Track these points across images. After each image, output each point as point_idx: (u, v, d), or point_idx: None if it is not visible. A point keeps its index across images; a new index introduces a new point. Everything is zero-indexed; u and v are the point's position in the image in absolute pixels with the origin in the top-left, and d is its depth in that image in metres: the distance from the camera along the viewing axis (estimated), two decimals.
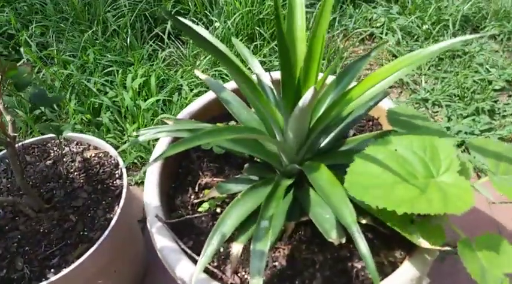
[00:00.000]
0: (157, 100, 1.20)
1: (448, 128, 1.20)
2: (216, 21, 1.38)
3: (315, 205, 0.57)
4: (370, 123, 0.79)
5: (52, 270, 0.69)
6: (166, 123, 0.70)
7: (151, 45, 1.42)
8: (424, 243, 0.48)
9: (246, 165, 0.64)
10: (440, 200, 0.45)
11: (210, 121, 0.80)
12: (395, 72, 0.52)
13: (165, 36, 1.42)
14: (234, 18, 1.34)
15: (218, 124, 0.78)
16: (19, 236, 0.74)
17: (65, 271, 0.66)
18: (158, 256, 0.61)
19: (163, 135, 0.59)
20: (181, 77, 1.30)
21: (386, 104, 0.76)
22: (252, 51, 1.36)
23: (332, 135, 0.67)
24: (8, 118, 0.71)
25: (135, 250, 0.90)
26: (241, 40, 1.35)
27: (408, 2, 1.59)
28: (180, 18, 0.60)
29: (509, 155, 0.56)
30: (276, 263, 0.60)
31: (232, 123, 0.80)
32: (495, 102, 1.29)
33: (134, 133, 0.60)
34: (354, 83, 0.62)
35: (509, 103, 1.28)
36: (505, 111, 1.26)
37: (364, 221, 0.56)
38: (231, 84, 0.81)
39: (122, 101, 1.19)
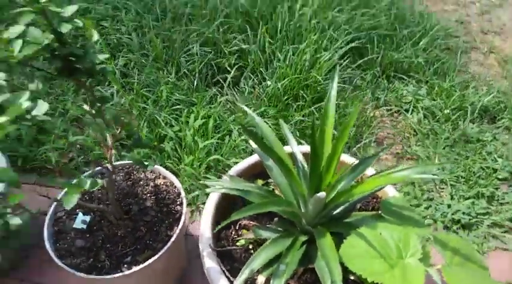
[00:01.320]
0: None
1: (449, 206, 1.40)
2: (268, 79, 1.67)
3: (319, 260, 0.81)
4: (374, 200, 1.03)
5: (125, 266, 0.97)
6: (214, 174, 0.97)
7: (213, 90, 1.72)
8: None
9: (275, 219, 0.90)
10: (401, 277, 0.69)
11: (251, 178, 1.06)
12: (389, 182, 0.76)
13: (225, 84, 1.72)
14: (284, 81, 1.62)
15: (258, 180, 1.05)
16: (103, 236, 1.03)
17: (135, 268, 0.94)
18: (193, 265, 0.86)
19: (223, 191, 0.86)
20: (233, 122, 1.58)
21: (390, 189, 0.99)
22: (295, 109, 1.62)
23: (342, 207, 0.91)
24: (112, 151, 1.00)
25: (180, 259, 1.16)
26: (287, 99, 1.62)
27: (436, 85, 1.81)
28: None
29: (465, 251, 0.78)
30: None
31: (270, 180, 1.06)
32: (496, 189, 1.48)
33: (201, 182, 0.86)
34: (371, 169, 0.87)
35: (508, 193, 1.46)
36: (503, 199, 1.45)
37: (352, 278, 0.80)
38: None
39: (184, 136, 1.49)
